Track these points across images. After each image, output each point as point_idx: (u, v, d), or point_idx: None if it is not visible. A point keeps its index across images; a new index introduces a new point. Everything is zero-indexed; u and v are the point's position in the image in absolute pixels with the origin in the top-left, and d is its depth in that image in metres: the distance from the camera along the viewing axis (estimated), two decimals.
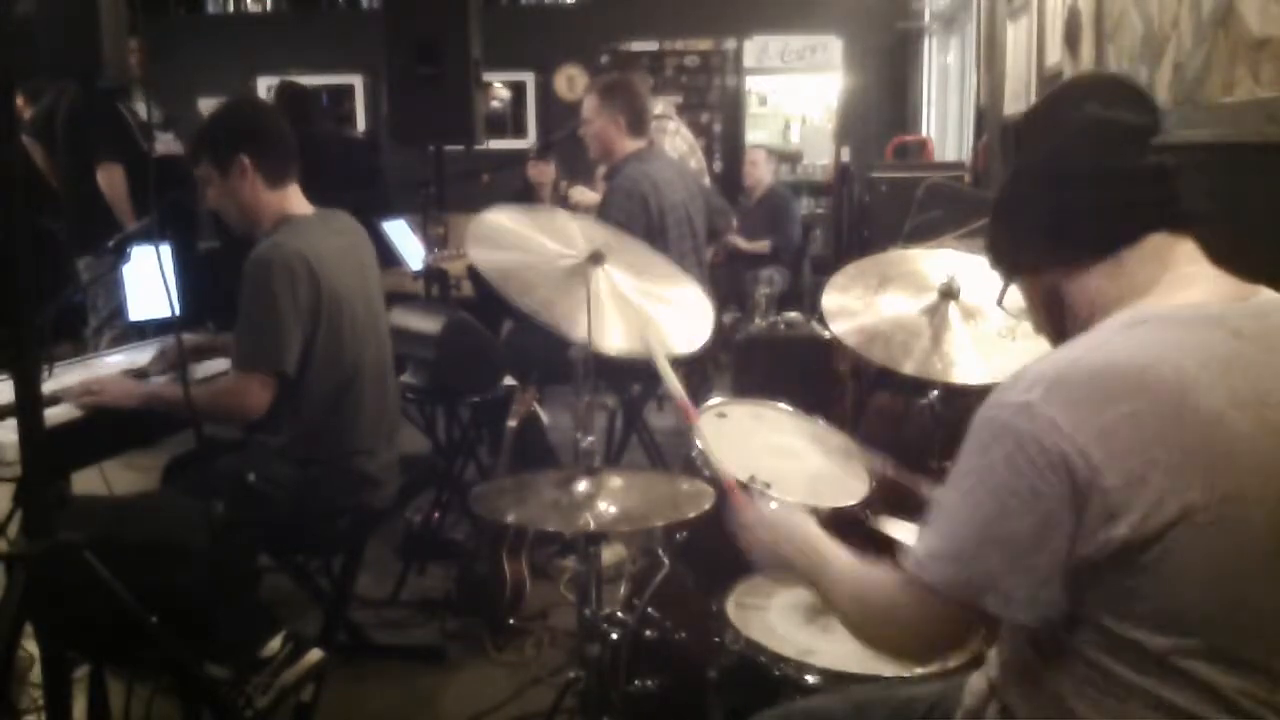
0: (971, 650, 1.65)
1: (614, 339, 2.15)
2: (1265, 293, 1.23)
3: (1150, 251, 1.22)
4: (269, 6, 9.95)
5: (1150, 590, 1.09)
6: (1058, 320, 1.30)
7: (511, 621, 3.21)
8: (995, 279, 1.39)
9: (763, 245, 6.75)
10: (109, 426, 2.48)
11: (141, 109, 5.02)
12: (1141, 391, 1.09)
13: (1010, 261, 1.35)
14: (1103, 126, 1.27)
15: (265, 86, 8.77)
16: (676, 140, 4.88)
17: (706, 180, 4.85)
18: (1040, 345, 1.35)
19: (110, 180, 4.82)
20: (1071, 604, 1.13)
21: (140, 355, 2.93)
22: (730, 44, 8.77)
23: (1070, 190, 1.25)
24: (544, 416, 3.86)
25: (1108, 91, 1.27)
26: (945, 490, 1.21)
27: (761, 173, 7.08)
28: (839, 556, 1.41)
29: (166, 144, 5.47)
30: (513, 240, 2.27)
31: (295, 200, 2.69)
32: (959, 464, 1.19)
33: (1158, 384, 1.10)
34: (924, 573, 1.19)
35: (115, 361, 2.90)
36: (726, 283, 6.13)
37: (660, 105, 5.03)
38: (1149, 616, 1.10)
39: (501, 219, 2.32)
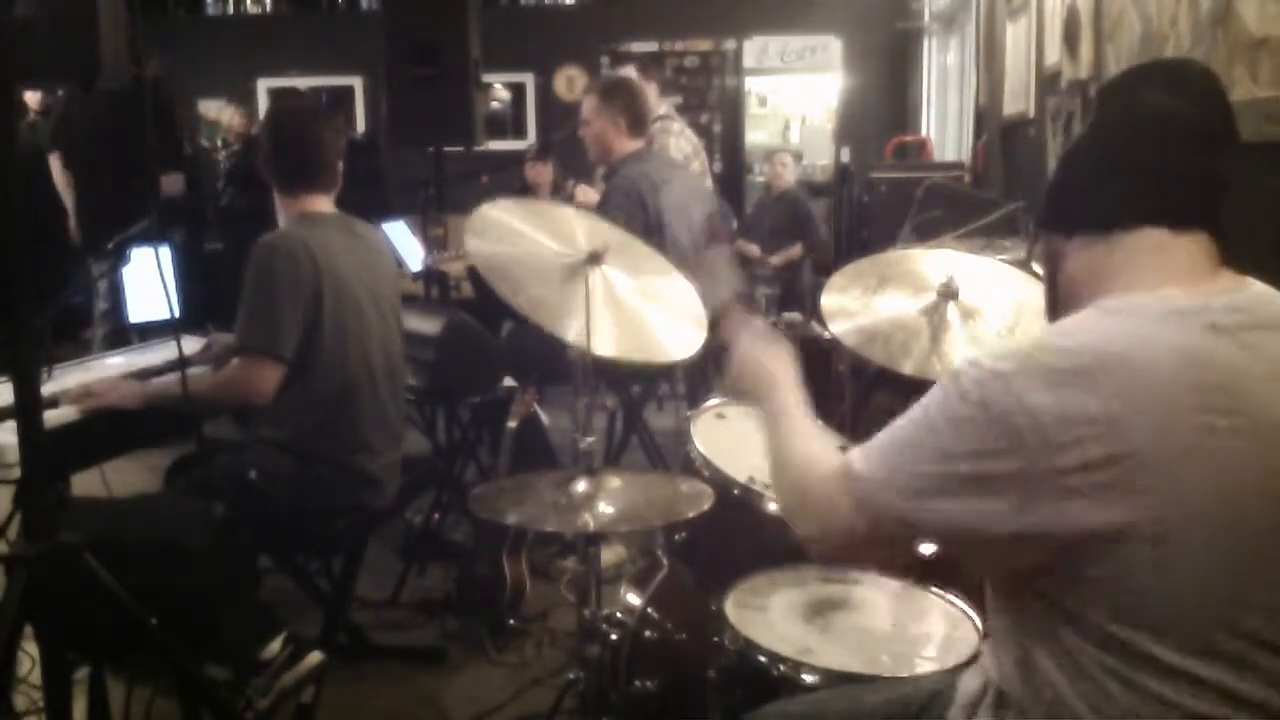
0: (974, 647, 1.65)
1: (606, 342, 2.13)
2: (1253, 286, 1.22)
3: (1148, 244, 1.21)
4: (269, 8, 9.96)
5: (1142, 588, 1.10)
6: (1051, 286, 1.33)
7: (511, 622, 3.21)
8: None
9: (795, 252, 6.76)
10: (109, 428, 2.48)
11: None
12: (1111, 380, 1.10)
13: (1038, 215, 1.38)
14: (1146, 114, 1.24)
15: (265, 88, 8.78)
16: (680, 141, 4.85)
17: (708, 182, 4.84)
18: None
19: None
20: (1058, 596, 1.14)
21: (140, 357, 2.94)
22: (730, 44, 8.77)
23: (1085, 166, 1.28)
24: (544, 417, 3.86)
25: (1177, 81, 1.25)
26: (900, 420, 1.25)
27: (789, 175, 7.14)
28: (802, 421, 1.48)
29: None
30: (512, 235, 2.26)
31: (318, 206, 2.74)
32: (916, 406, 1.23)
33: (1130, 374, 1.10)
34: (855, 476, 1.24)
35: (115, 364, 2.90)
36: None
37: (665, 106, 5.02)
38: (1143, 615, 1.11)
39: (502, 213, 2.30)
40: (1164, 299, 1.17)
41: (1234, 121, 1.25)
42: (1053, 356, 1.13)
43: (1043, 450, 1.10)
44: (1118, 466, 1.08)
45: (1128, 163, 1.23)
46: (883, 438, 1.25)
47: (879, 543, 1.26)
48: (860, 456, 1.26)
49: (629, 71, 4.83)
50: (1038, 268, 1.44)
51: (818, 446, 1.40)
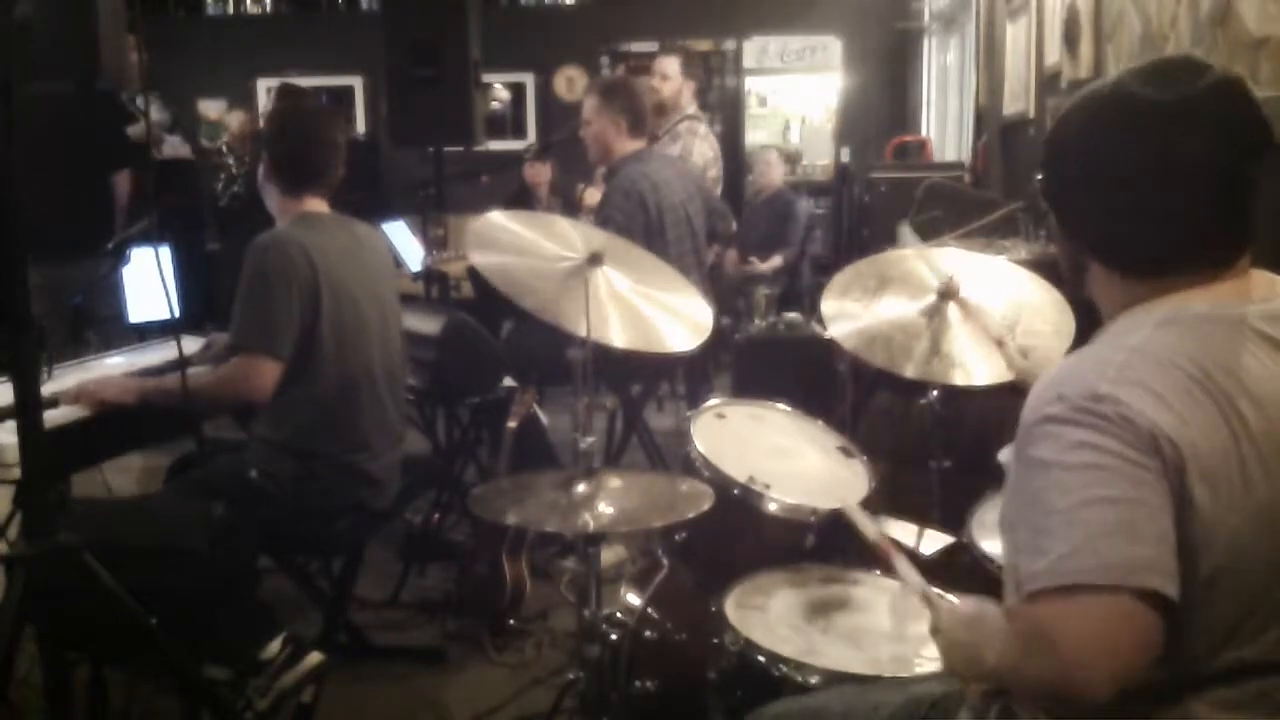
0: None
1: (614, 335, 2.15)
2: None
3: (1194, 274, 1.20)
4: (269, 8, 9.95)
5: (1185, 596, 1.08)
6: (1077, 277, 1.29)
7: (511, 622, 3.21)
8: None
9: (775, 263, 6.74)
10: (109, 428, 2.48)
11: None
12: (1202, 387, 1.10)
13: (1056, 208, 1.28)
14: (1167, 155, 1.15)
15: (265, 88, 8.78)
16: (704, 146, 4.77)
17: (718, 190, 4.78)
18: (1037, 345, 1.35)
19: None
20: None
21: (140, 357, 2.94)
22: (730, 44, 8.77)
23: (1107, 198, 1.19)
24: (543, 417, 3.86)
25: (1218, 106, 1.15)
26: (1020, 504, 1.12)
27: (775, 173, 7.11)
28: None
29: (174, 147, 5.45)
30: (512, 242, 2.27)
31: (316, 206, 2.74)
32: (1026, 475, 1.11)
33: (1212, 383, 1.10)
34: (1061, 577, 1.03)
35: (115, 363, 2.90)
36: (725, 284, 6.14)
37: (693, 107, 4.96)
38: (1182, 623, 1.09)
39: (502, 221, 2.32)
40: (1214, 306, 1.17)
41: (1264, 124, 1.17)
42: (1149, 367, 1.11)
43: (1177, 455, 1.07)
44: (1229, 478, 1.09)
45: (1161, 210, 1.16)
46: (1026, 532, 1.09)
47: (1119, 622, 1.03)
48: (1027, 563, 1.07)
49: (672, 64, 4.79)
50: (1053, 246, 1.35)
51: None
